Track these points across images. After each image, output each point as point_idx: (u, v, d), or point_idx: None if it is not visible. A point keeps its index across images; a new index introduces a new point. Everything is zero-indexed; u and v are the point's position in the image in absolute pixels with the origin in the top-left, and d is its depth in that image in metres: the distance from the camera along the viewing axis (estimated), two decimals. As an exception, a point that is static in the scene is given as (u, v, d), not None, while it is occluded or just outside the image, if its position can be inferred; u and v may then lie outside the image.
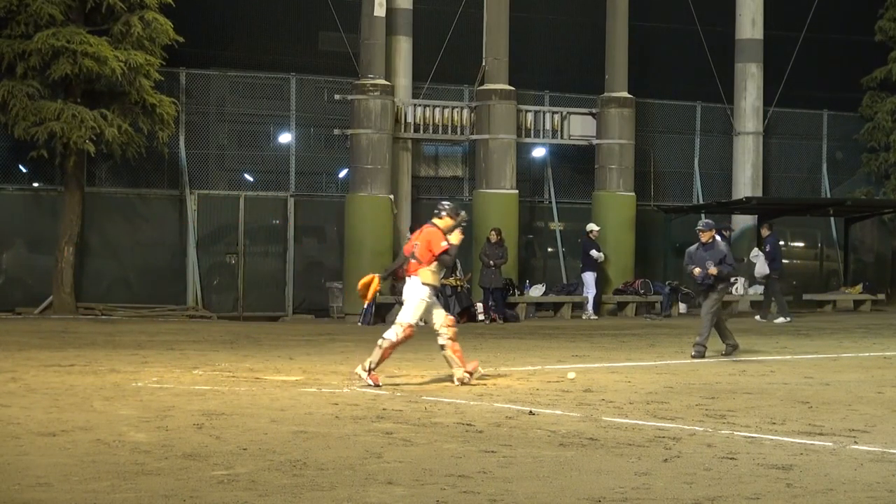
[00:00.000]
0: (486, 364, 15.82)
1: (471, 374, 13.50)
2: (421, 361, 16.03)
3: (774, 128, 31.14)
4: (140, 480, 7.80)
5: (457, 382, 13.29)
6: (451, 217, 13.52)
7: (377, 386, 12.84)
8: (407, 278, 13.37)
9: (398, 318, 13.33)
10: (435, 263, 13.23)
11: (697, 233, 17.00)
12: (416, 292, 13.23)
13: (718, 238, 17.22)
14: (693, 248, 16.99)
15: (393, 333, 13.07)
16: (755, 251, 26.68)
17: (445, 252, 13.24)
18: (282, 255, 26.22)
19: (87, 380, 13.37)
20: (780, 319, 24.90)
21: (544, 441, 9.52)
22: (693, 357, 16.57)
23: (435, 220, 13.47)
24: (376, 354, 13.07)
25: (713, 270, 16.46)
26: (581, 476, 8.13)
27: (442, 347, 13.42)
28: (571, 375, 14.03)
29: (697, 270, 16.56)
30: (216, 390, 12.56)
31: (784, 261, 27.69)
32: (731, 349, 17.00)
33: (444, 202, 13.90)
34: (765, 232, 26.54)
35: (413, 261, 13.29)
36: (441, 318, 13.33)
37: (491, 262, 24.67)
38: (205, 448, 9.00)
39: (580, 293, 26.84)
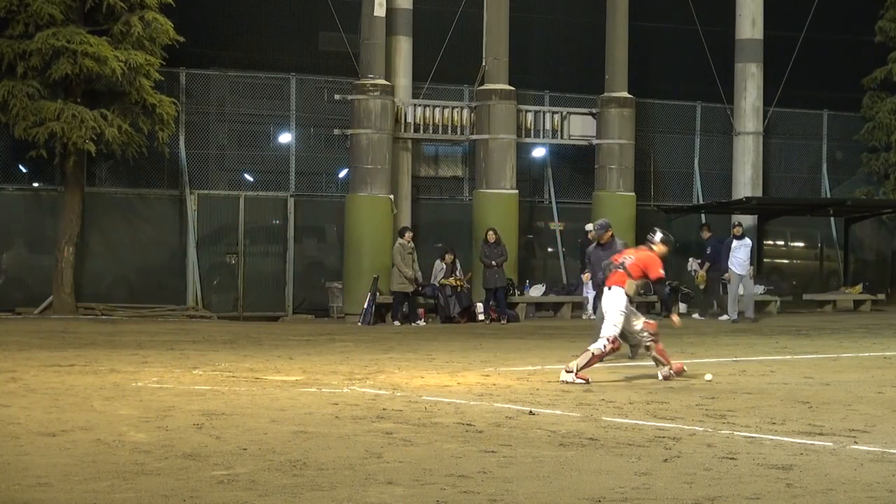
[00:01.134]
0: (487, 364, 15.83)
1: (677, 373, 13.95)
2: (421, 361, 16.04)
3: (774, 128, 31.14)
4: (140, 480, 7.80)
5: (660, 377, 13.89)
6: (666, 245, 14.31)
7: (586, 381, 13.42)
8: (607, 289, 14.00)
9: (602, 332, 13.81)
10: (641, 281, 13.96)
11: (596, 236, 16.79)
12: (617, 304, 13.77)
13: (618, 239, 17.08)
14: (591, 247, 16.96)
15: (601, 345, 13.66)
16: (691, 262, 26.81)
17: (659, 281, 14.03)
18: (282, 255, 26.21)
19: (87, 380, 13.37)
20: (724, 317, 25.29)
21: (544, 441, 9.52)
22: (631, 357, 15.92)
23: (652, 246, 14.16)
24: (583, 358, 13.67)
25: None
26: (581, 476, 8.13)
27: (647, 349, 14.03)
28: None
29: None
30: (216, 390, 12.56)
31: (784, 261, 27.70)
32: (636, 352, 16.30)
33: (659, 230, 14.49)
34: (705, 234, 26.66)
35: (620, 271, 13.87)
36: (641, 324, 13.93)
37: (493, 262, 24.67)
38: (205, 448, 9.00)
39: (580, 293, 26.82)
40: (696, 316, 25.97)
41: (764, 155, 30.51)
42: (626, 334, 16.04)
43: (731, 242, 25.38)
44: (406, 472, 8.13)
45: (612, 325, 13.77)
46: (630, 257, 14.11)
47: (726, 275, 25.31)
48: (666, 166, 30.06)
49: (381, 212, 25.30)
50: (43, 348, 17.19)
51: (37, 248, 24.80)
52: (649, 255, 14.08)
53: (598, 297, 16.95)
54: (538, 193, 28.91)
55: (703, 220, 28.00)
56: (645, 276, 13.99)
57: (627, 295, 13.83)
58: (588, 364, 13.66)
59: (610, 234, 16.90)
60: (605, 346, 13.65)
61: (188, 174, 25.50)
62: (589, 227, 26.78)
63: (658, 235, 14.37)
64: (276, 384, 13.29)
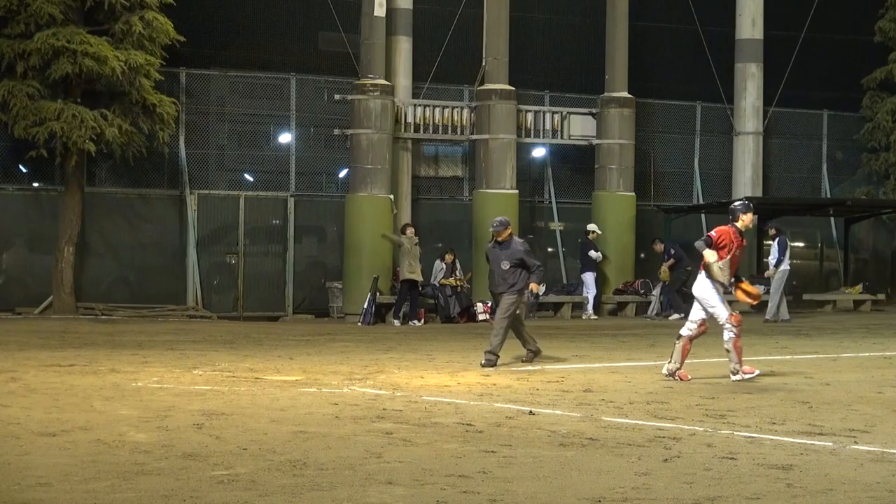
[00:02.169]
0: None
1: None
2: (421, 361, 16.04)
3: (774, 128, 31.14)
4: (140, 480, 7.80)
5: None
6: (748, 212, 13.86)
7: (754, 373, 13.59)
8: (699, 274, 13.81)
9: (718, 318, 13.62)
10: (726, 261, 13.67)
11: (493, 232, 16.04)
12: (705, 287, 13.67)
13: (516, 238, 16.27)
14: (489, 245, 16.20)
15: (728, 335, 13.58)
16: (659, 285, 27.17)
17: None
18: (282, 255, 26.21)
19: (87, 380, 13.37)
20: (675, 316, 25.59)
21: (544, 441, 9.52)
22: (483, 366, 15.26)
23: (735, 223, 13.79)
24: (734, 356, 13.62)
25: (535, 287, 15.72)
26: (581, 476, 8.13)
27: (679, 337, 13.90)
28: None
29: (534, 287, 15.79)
30: (216, 390, 12.56)
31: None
32: (532, 355, 15.96)
33: (737, 201, 14.15)
34: (658, 248, 26.97)
35: (711, 250, 13.69)
36: (699, 316, 13.79)
37: None
38: (205, 448, 9.00)
39: (580, 293, 26.84)
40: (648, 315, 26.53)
41: (764, 155, 30.52)
42: (523, 336, 15.82)
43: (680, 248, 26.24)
44: (406, 472, 8.13)
45: (719, 307, 13.61)
46: (713, 233, 13.79)
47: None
48: (666, 166, 30.06)
49: (381, 212, 25.31)
50: (43, 348, 17.18)
51: (37, 248, 24.79)
52: (723, 231, 13.74)
53: (495, 302, 16.62)
54: (538, 193, 28.91)
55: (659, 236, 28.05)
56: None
57: (714, 280, 13.58)
58: (741, 356, 13.64)
59: (509, 231, 15.94)
60: (733, 332, 13.54)
61: (188, 174, 25.50)
62: (589, 227, 26.90)
63: (738, 205, 13.95)
64: (276, 384, 13.29)
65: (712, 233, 13.92)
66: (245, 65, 27.30)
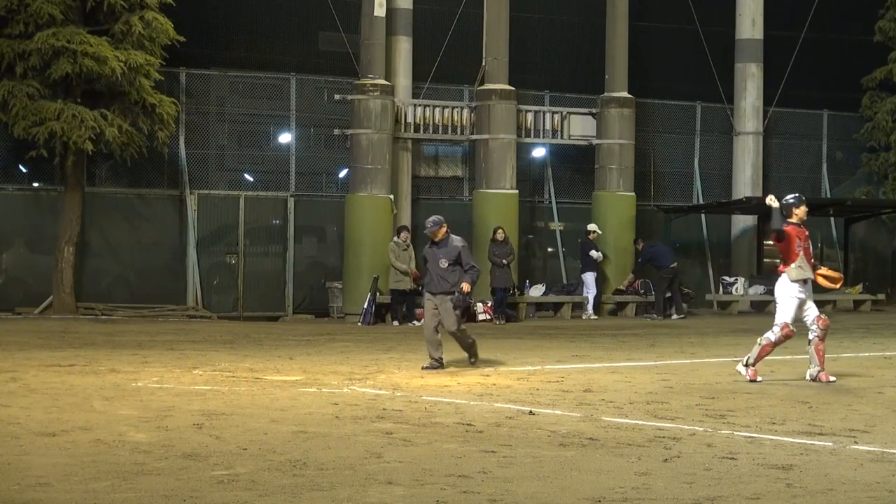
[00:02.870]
0: (487, 364, 15.83)
1: (827, 379, 13.70)
2: (421, 361, 16.02)
3: (774, 128, 31.13)
4: (140, 480, 7.80)
5: (808, 378, 13.76)
6: (801, 204, 13.82)
7: (755, 381, 13.48)
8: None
9: (776, 318, 13.71)
10: (800, 258, 13.59)
11: (429, 233, 15.51)
12: (786, 290, 13.62)
13: (454, 236, 15.61)
14: (427, 247, 15.70)
15: (771, 334, 13.58)
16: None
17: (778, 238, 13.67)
18: (282, 255, 26.21)
19: (87, 380, 13.37)
20: (675, 316, 26.12)
21: (544, 441, 9.52)
22: (425, 368, 15.02)
23: (790, 220, 13.74)
24: (755, 351, 13.66)
25: (466, 287, 15.07)
26: (581, 476, 8.13)
27: (809, 342, 13.84)
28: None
29: (466, 286, 15.14)
30: (216, 390, 12.56)
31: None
32: (437, 364, 15.17)
33: (790, 196, 13.96)
34: (640, 247, 27.16)
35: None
36: (813, 314, 13.74)
37: (504, 261, 24.71)
38: (205, 448, 9.00)
39: (580, 293, 26.84)
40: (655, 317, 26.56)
41: (764, 155, 30.51)
42: (432, 339, 15.12)
43: (660, 247, 26.62)
44: (406, 472, 8.13)
45: (783, 312, 13.62)
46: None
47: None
48: (666, 166, 30.05)
49: (381, 212, 25.31)
50: (43, 348, 17.18)
51: (37, 248, 24.79)
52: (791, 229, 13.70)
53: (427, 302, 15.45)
54: (538, 193, 28.91)
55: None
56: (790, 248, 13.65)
57: (796, 280, 13.52)
58: (760, 356, 13.65)
59: (444, 230, 15.33)
60: (775, 334, 13.55)
61: (188, 174, 25.50)
62: (590, 227, 26.89)
63: (790, 200, 13.83)
64: (276, 384, 13.29)
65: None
66: (245, 65, 27.30)
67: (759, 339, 13.71)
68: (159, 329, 21.44)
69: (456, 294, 15.16)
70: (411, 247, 24.46)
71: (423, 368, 15.17)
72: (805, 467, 8.50)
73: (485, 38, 26.70)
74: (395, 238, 24.50)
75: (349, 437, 9.58)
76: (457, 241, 15.45)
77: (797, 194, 14.19)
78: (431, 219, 15.56)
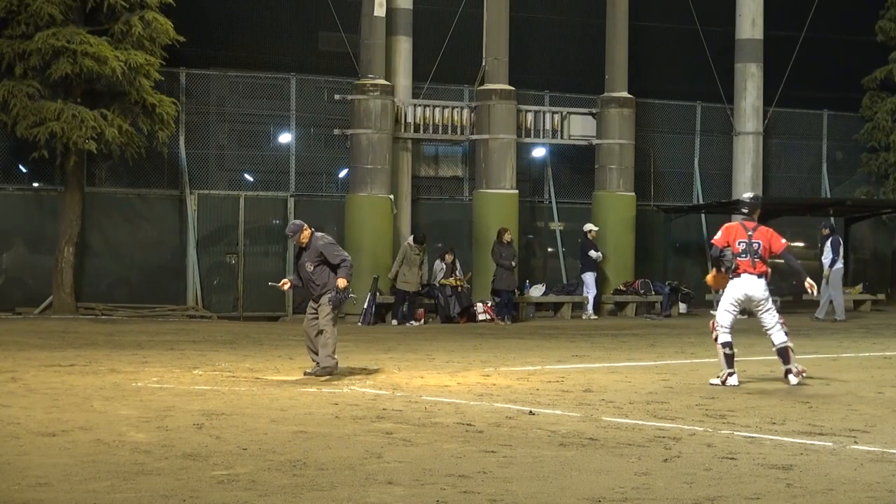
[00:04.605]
0: (487, 364, 15.83)
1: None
2: (421, 361, 16.04)
3: (774, 128, 31.13)
4: (140, 480, 7.80)
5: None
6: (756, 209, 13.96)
7: (801, 376, 13.54)
8: (745, 275, 13.56)
9: (772, 322, 13.78)
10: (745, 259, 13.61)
11: (293, 240, 14.62)
12: (766, 291, 13.66)
13: (317, 234, 14.54)
14: (296, 251, 14.78)
15: (783, 335, 13.66)
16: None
17: (787, 249, 13.84)
18: (282, 255, 26.18)
19: (87, 380, 13.37)
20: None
21: (544, 441, 9.52)
22: (316, 374, 13.98)
23: (746, 220, 13.76)
24: (783, 358, 13.68)
25: (342, 283, 13.96)
26: (581, 476, 8.13)
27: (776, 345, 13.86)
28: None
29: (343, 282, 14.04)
30: (216, 390, 12.56)
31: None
32: (320, 370, 14.05)
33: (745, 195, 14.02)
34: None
35: (758, 260, 13.58)
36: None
37: (511, 263, 24.72)
38: (205, 448, 9.00)
39: (580, 293, 26.84)
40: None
41: (764, 155, 30.51)
42: (311, 344, 14.16)
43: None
44: (406, 472, 8.13)
45: (774, 313, 13.75)
46: (759, 242, 13.56)
47: None
48: (666, 166, 30.05)
49: (381, 212, 25.31)
50: (43, 348, 17.18)
51: (37, 248, 24.79)
52: (771, 231, 13.73)
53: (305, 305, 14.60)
54: (538, 193, 28.90)
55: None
56: (778, 252, 13.71)
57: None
58: (789, 358, 13.62)
59: (307, 233, 14.25)
60: (785, 335, 13.65)
61: (188, 174, 25.49)
62: (588, 227, 26.88)
63: (744, 207, 13.96)
64: (276, 384, 13.29)
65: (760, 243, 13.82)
66: (245, 65, 27.29)
67: (775, 346, 13.69)
68: (159, 329, 21.44)
69: (332, 292, 14.06)
70: (421, 253, 24.55)
71: (305, 374, 14.11)
72: (805, 467, 8.50)
73: (485, 38, 26.70)
74: (409, 240, 24.57)
75: (349, 437, 9.58)
76: (318, 238, 14.37)
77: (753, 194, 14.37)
78: (289, 226, 14.53)
